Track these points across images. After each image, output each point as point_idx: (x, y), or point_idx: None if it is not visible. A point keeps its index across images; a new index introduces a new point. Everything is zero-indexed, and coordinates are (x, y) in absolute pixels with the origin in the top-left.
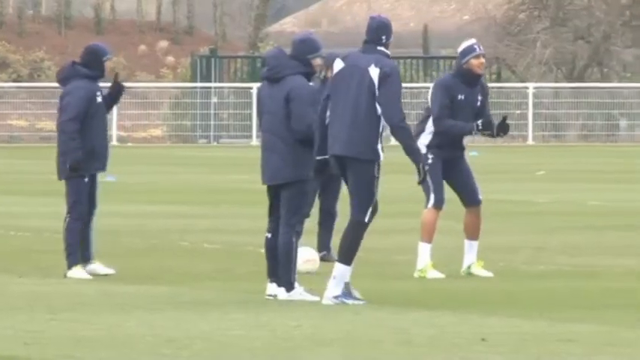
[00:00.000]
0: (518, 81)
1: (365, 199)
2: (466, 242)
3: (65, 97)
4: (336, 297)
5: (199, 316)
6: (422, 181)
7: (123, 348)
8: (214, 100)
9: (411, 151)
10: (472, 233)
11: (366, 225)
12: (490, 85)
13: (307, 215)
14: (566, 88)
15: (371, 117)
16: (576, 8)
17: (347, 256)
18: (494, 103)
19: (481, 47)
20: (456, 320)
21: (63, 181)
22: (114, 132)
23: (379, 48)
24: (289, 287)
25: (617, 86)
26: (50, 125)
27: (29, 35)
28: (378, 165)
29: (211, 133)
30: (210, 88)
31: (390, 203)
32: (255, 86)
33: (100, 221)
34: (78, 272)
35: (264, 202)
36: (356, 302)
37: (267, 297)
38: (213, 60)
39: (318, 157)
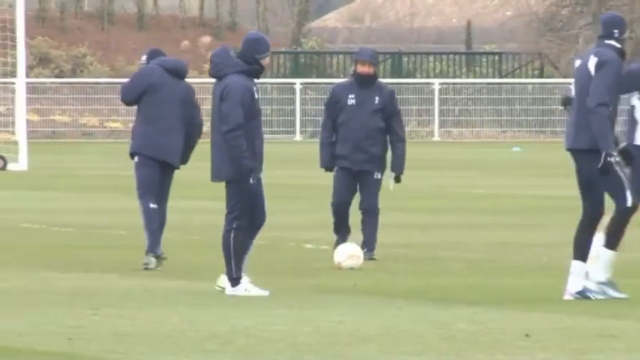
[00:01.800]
0: (561, 77)
1: (617, 186)
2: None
3: None
4: (601, 282)
5: (242, 311)
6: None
7: (165, 343)
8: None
9: (598, 136)
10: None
11: (631, 209)
12: (533, 81)
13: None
14: None
15: None
16: (618, 4)
17: (612, 241)
18: (537, 99)
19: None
20: (499, 316)
21: (102, 178)
22: None
23: (607, 42)
24: (234, 282)
25: None
26: (92, 121)
27: (71, 31)
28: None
29: None
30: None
31: (432, 198)
32: (299, 82)
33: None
34: None
35: (307, 197)
36: (619, 295)
37: (216, 287)
38: None
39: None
